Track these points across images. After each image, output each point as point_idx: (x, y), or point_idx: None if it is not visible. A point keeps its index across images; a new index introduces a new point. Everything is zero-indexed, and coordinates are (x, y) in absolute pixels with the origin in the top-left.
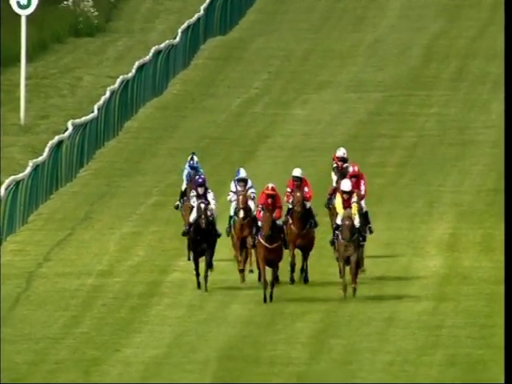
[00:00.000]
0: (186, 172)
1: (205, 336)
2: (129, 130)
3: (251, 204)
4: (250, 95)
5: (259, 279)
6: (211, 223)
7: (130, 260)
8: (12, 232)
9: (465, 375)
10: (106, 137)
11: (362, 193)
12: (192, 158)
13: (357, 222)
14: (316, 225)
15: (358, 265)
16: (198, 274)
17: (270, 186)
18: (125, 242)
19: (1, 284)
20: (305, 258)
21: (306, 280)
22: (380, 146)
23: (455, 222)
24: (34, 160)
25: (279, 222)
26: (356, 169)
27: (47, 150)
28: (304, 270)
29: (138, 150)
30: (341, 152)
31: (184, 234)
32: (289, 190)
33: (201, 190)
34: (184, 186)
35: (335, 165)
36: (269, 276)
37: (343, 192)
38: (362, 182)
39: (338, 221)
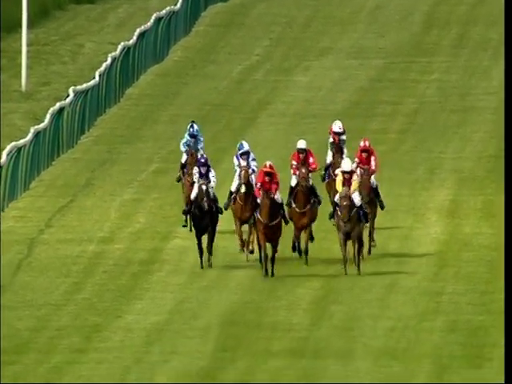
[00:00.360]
0: (184, 140)
1: (206, 302)
2: (130, 97)
3: (253, 178)
4: (251, 62)
5: (260, 260)
6: (212, 200)
7: (131, 227)
8: (14, 198)
9: (465, 341)
10: (107, 103)
11: (373, 168)
12: (192, 126)
13: (357, 201)
14: (320, 202)
15: (361, 242)
16: (201, 253)
17: (268, 163)
18: (126, 208)
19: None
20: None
21: (306, 252)
22: (381, 113)
23: (456, 188)
24: (36, 126)
25: (277, 197)
26: (367, 143)
27: (48, 116)
28: (306, 249)
29: (139, 116)
30: (336, 126)
31: (185, 212)
32: (294, 163)
33: (203, 170)
34: (184, 158)
35: (331, 139)
36: (269, 252)
37: (344, 172)
38: (373, 157)
39: (337, 198)
